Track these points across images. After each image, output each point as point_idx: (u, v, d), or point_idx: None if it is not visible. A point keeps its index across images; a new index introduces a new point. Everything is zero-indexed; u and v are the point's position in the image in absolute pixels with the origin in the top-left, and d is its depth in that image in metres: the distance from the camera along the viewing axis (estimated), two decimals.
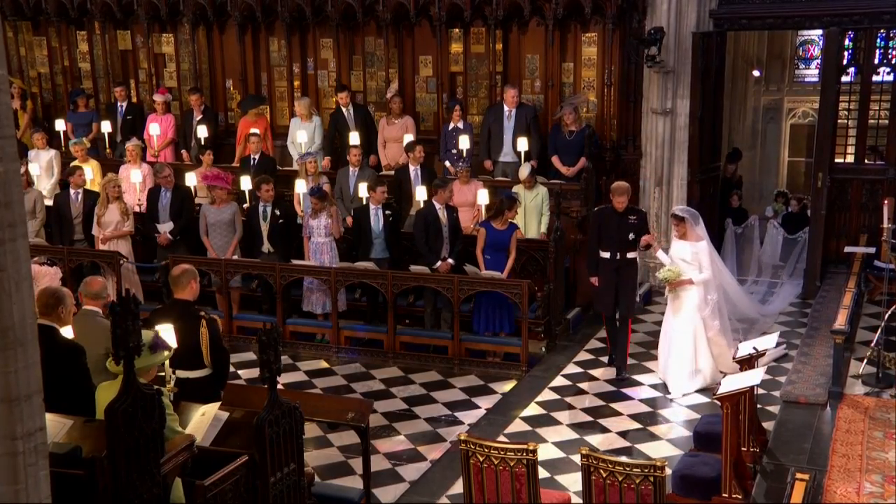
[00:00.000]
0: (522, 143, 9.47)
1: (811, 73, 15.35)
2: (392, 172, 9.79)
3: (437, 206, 8.21)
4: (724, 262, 9.63)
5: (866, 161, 10.27)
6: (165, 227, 8.94)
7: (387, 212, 8.43)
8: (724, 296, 7.51)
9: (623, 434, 6.59)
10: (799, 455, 6.08)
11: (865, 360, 7.48)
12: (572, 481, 5.69)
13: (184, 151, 10.96)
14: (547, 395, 7.29)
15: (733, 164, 11.98)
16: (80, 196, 9.17)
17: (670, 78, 9.64)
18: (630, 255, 7.51)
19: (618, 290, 7.53)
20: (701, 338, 7.23)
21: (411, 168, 9.19)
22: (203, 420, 4.45)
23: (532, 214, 8.78)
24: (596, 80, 10.10)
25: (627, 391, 7.36)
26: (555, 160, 9.64)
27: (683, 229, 7.17)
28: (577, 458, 4.81)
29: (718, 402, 5.40)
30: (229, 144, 11.01)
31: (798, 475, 4.85)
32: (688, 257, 7.16)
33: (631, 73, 9.97)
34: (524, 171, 8.85)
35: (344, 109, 10.21)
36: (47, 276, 6.09)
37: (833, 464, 5.92)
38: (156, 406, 3.53)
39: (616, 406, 7.08)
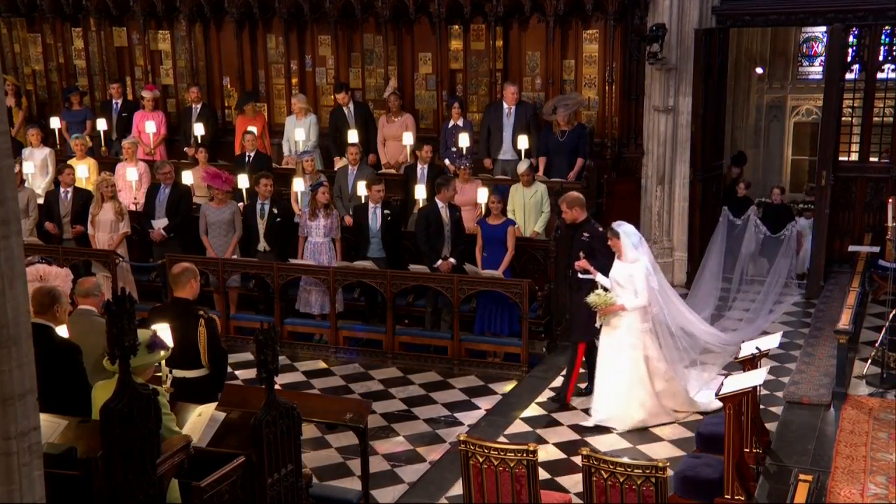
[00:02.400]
0: (523, 141, 9.40)
1: (815, 71, 15.29)
2: (392, 171, 9.74)
3: (440, 204, 8.15)
4: (711, 257, 9.42)
5: (871, 159, 10.20)
6: (159, 224, 8.89)
7: (385, 211, 8.37)
8: (677, 327, 6.79)
9: (624, 435, 6.52)
10: (802, 456, 6.04)
11: (869, 361, 7.42)
12: (573, 482, 5.65)
13: (186, 149, 10.88)
14: (547, 395, 7.23)
15: (738, 167, 11.83)
16: (69, 194, 9.13)
17: (672, 75, 9.58)
18: (582, 275, 6.77)
19: (571, 312, 7.10)
20: (639, 368, 6.52)
21: (419, 167, 9.13)
22: (200, 420, 4.42)
23: (531, 212, 8.71)
24: (597, 77, 10.04)
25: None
26: (541, 162, 9.50)
27: (618, 247, 6.52)
28: (577, 460, 4.76)
29: (721, 403, 5.34)
30: (227, 142, 10.95)
31: (801, 476, 4.82)
32: (621, 280, 6.48)
33: (632, 70, 9.90)
34: (522, 165, 8.79)
35: (344, 108, 10.15)
36: (59, 277, 5.99)
37: (837, 465, 5.88)
38: (152, 406, 3.50)
39: None
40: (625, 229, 6.54)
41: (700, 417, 6.59)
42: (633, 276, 6.43)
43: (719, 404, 6.43)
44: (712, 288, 9.08)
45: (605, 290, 6.51)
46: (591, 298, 6.49)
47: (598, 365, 6.71)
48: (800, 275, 10.02)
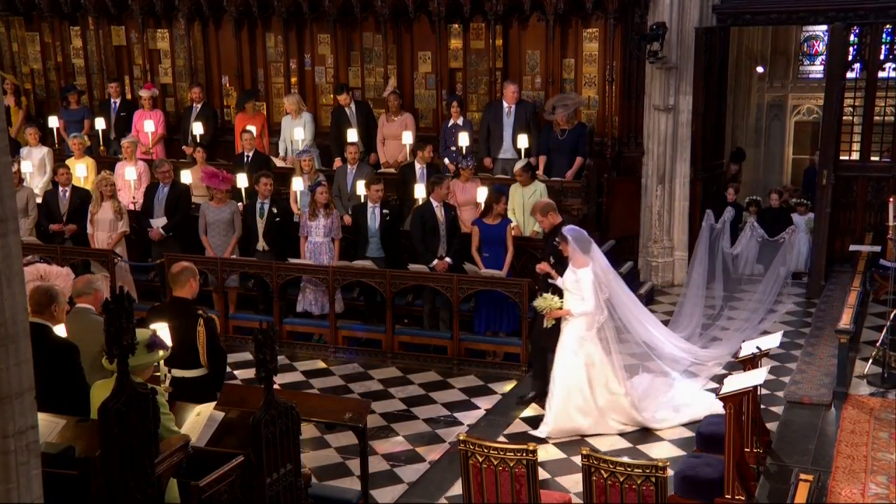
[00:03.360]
0: (523, 140, 9.37)
1: (816, 70, 15.25)
2: (391, 170, 9.71)
3: (435, 203, 8.12)
4: (695, 265, 9.27)
5: (872, 158, 10.18)
6: (158, 223, 8.87)
7: (384, 210, 8.34)
8: (640, 340, 6.69)
9: (624, 434, 6.50)
10: (803, 456, 6.03)
11: (870, 360, 7.40)
12: (573, 482, 5.63)
13: (185, 148, 10.86)
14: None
15: (737, 163, 11.83)
16: (67, 194, 9.11)
17: (673, 74, 9.55)
18: (552, 281, 6.69)
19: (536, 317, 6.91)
20: (577, 374, 6.37)
21: (417, 167, 9.11)
22: (198, 420, 4.41)
23: (527, 212, 8.69)
24: (597, 76, 10.01)
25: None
26: (541, 161, 9.48)
27: (567, 251, 6.41)
28: (577, 459, 4.74)
29: (721, 403, 5.32)
30: (226, 141, 10.93)
31: (802, 476, 4.81)
32: (569, 284, 6.39)
33: (633, 69, 9.88)
34: (518, 165, 8.76)
35: (346, 108, 10.12)
36: (60, 276, 5.97)
37: (837, 465, 5.88)
38: (150, 405, 3.49)
39: None
40: (574, 235, 6.43)
41: (702, 418, 6.54)
42: (580, 281, 6.33)
43: (676, 422, 6.45)
44: (698, 297, 8.88)
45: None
46: (537, 302, 6.51)
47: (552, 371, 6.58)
48: (795, 273, 9.96)
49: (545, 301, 6.44)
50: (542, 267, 6.75)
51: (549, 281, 6.71)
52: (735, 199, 10.37)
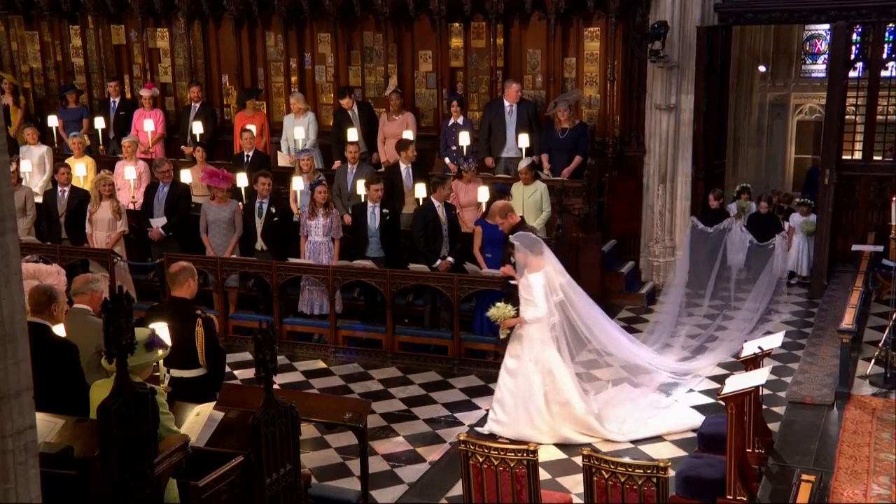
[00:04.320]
0: (524, 139, 9.35)
1: (818, 69, 15.24)
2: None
3: (436, 203, 8.10)
4: (679, 273, 9.13)
5: (874, 158, 10.15)
6: (158, 222, 8.85)
7: (384, 210, 8.32)
8: (602, 347, 6.56)
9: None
10: (805, 456, 6.02)
11: (873, 361, 7.39)
12: (574, 483, 5.61)
13: (184, 147, 10.84)
14: None
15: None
16: (66, 194, 9.10)
17: (674, 73, 9.52)
18: (513, 282, 6.61)
19: None
20: (529, 382, 6.25)
21: (402, 167, 9.07)
22: (197, 420, 4.40)
23: (531, 211, 8.65)
24: (598, 75, 9.98)
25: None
26: (544, 159, 9.46)
27: (519, 258, 6.26)
28: (578, 460, 4.72)
29: (723, 403, 5.30)
30: (226, 141, 10.91)
31: (804, 477, 4.79)
32: (522, 291, 6.23)
33: (634, 68, 9.85)
34: (522, 163, 8.73)
35: (349, 111, 10.09)
36: (51, 275, 5.95)
37: (840, 465, 5.87)
38: (149, 405, 3.47)
39: None
40: (521, 240, 6.28)
41: (704, 418, 6.51)
42: (530, 286, 6.20)
43: (642, 434, 6.31)
44: (677, 305, 8.74)
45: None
46: (491, 311, 6.35)
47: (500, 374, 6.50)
48: (791, 273, 9.84)
49: (498, 310, 6.28)
50: (506, 270, 6.70)
51: (511, 282, 6.64)
52: (720, 206, 9.70)
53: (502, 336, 6.41)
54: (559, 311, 6.27)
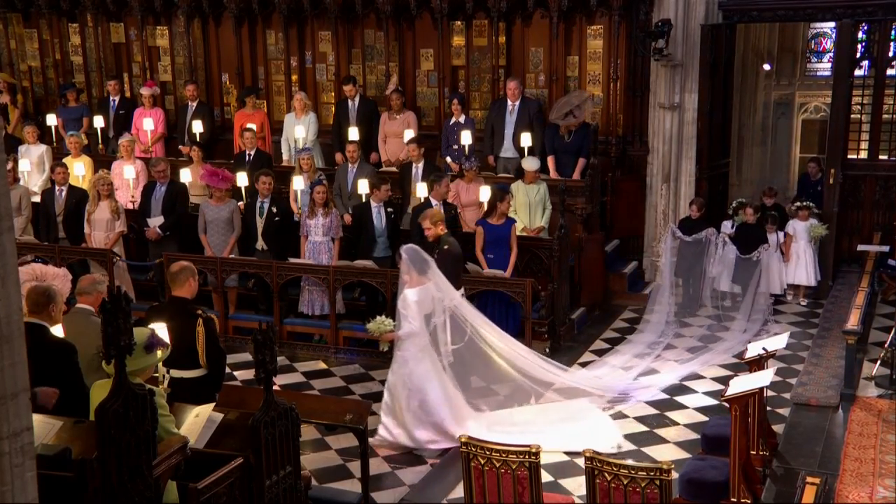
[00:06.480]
0: (525, 139, 9.28)
1: (823, 67, 15.14)
2: (393, 168, 9.64)
3: (434, 202, 8.04)
4: (660, 288, 8.92)
5: (880, 157, 10.08)
6: (155, 222, 8.82)
7: (389, 209, 8.27)
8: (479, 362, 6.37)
9: (629, 437, 6.42)
10: (810, 458, 5.98)
11: (878, 362, 7.32)
12: (576, 485, 5.57)
13: (181, 147, 10.80)
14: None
15: None
16: (63, 193, 9.07)
17: (678, 72, 9.46)
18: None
19: None
20: (392, 391, 6.20)
21: (413, 165, 9.03)
22: (197, 421, 4.38)
23: (536, 209, 8.61)
24: (601, 73, 9.92)
25: (633, 393, 7.16)
26: (550, 162, 9.39)
27: (403, 269, 6.16)
28: (581, 461, 4.67)
29: (727, 405, 5.25)
30: (225, 140, 10.87)
31: (809, 479, 4.74)
32: (399, 304, 6.14)
33: (637, 66, 9.80)
34: (533, 163, 8.60)
35: (350, 101, 10.03)
36: (57, 277, 5.91)
37: (845, 468, 5.83)
38: (148, 407, 3.46)
39: (621, 408, 6.90)
40: (410, 255, 6.15)
41: (707, 420, 6.44)
42: (405, 300, 6.11)
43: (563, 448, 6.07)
44: (661, 316, 8.61)
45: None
46: (369, 325, 6.39)
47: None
48: (793, 286, 9.28)
49: (376, 325, 6.29)
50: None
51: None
52: (700, 216, 9.06)
53: (382, 349, 6.50)
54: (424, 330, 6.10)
